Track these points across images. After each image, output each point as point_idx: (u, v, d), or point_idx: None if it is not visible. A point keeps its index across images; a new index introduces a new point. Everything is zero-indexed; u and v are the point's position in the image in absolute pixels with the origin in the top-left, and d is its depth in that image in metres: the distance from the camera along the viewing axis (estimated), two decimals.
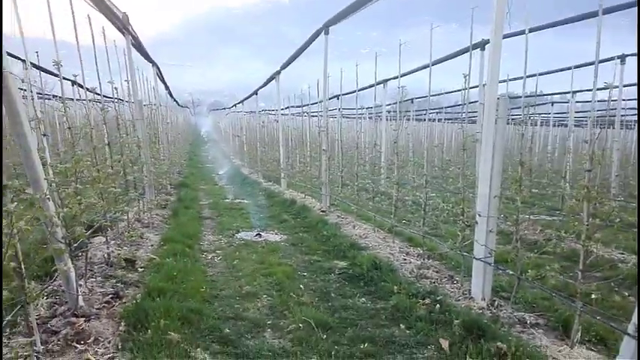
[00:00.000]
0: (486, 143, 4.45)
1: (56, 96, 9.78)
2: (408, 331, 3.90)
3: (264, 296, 4.59)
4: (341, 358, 3.33)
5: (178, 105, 27.40)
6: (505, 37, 4.93)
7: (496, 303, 4.42)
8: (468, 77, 5.01)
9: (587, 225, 3.44)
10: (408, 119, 20.01)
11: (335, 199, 9.44)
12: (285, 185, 12.57)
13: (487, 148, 4.44)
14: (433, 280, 5.21)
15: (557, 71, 11.12)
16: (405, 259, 5.96)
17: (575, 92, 12.88)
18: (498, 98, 4.44)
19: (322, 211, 8.82)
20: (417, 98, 19.36)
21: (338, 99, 16.44)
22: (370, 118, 20.88)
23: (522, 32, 5.30)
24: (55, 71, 5.32)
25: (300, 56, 11.33)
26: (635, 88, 12.65)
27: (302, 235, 7.32)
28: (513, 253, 4.12)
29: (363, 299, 4.67)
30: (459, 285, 4.98)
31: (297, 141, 15.65)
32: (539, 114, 22.63)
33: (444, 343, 3.59)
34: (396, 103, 16.99)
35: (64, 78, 5.93)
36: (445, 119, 23.48)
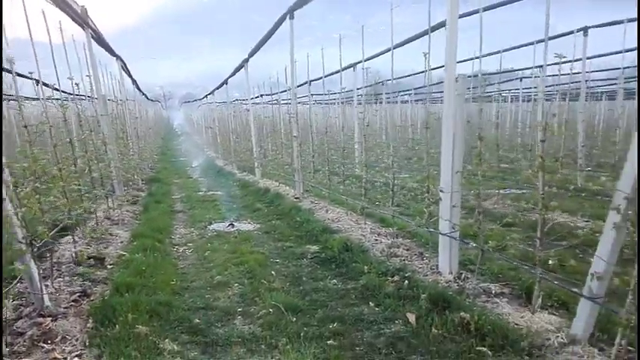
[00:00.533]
0: (447, 120, 4.51)
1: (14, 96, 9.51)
2: (377, 309, 3.97)
3: (236, 285, 4.60)
4: (310, 338, 3.38)
5: (148, 99, 26.93)
6: (461, 16, 5.00)
7: (463, 276, 4.53)
8: (428, 56, 5.05)
9: (543, 194, 3.53)
10: (381, 102, 20.06)
11: (308, 185, 9.46)
12: (260, 175, 12.53)
13: (448, 126, 4.50)
14: (403, 258, 5.28)
15: (519, 47, 11.24)
16: (376, 240, 6.03)
17: (538, 67, 13.09)
18: (457, 77, 4.50)
19: (296, 198, 8.84)
20: (387, 80, 19.39)
21: (310, 84, 16.43)
22: (343, 102, 20.91)
23: (476, 12, 5.34)
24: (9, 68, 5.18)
25: (272, 44, 11.20)
26: (598, 60, 12.93)
27: (275, 223, 7.33)
28: (475, 225, 4.21)
29: (334, 281, 4.72)
30: (428, 261, 5.07)
31: (270, 129, 15.57)
32: (509, 90, 22.98)
33: (411, 317, 3.67)
34: (366, 86, 17.02)
35: (18, 74, 5.78)
36: (417, 100, 23.64)
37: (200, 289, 4.54)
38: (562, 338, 3.24)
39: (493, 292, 4.19)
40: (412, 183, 7.28)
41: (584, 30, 10.55)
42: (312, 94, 18.52)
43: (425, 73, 5.31)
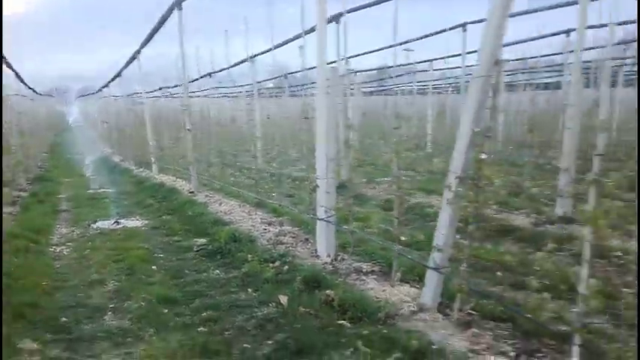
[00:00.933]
0: (320, 112, 4.73)
1: None
2: (254, 294, 4.11)
3: (112, 282, 4.51)
4: (179, 327, 3.43)
5: (37, 93, 24.89)
6: (332, 19, 5.24)
7: (339, 257, 4.79)
8: (303, 50, 5.26)
9: (397, 177, 3.86)
10: (292, 95, 20.21)
11: (204, 179, 9.38)
12: (157, 170, 12.19)
13: (321, 116, 4.72)
14: (288, 245, 5.46)
15: (392, 46, 11.77)
16: (265, 229, 6.16)
17: (426, 61, 13.97)
18: (328, 71, 4.73)
19: (190, 192, 8.74)
20: (290, 74, 19.59)
21: (210, 76, 16.21)
22: (248, 95, 20.80)
23: (341, 14, 5.63)
24: None
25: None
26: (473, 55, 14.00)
27: (166, 218, 7.22)
28: (346, 209, 4.49)
29: (217, 271, 4.79)
30: (311, 246, 5.29)
31: (169, 123, 15.14)
32: (406, 83, 24.16)
33: (283, 299, 3.84)
34: (266, 80, 17.09)
35: None
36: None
37: (73, 288, 4.39)
38: (413, 307, 3.58)
39: (364, 270, 4.49)
40: (305, 173, 7.51)
41: (463, 26, 11.37)
42: (215, 87, 18.26)
43: (303, 68, 5.54)
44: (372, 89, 26.96)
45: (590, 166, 2.57)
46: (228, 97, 21.06)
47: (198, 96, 20.88)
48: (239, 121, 13.16)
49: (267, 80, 18.42)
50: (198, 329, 3.43)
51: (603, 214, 2.35)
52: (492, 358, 2.92)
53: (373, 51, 11.29)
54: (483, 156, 3.00)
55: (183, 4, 8.78)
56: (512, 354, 3.03)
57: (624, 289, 3.04)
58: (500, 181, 3.88)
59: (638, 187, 2.90)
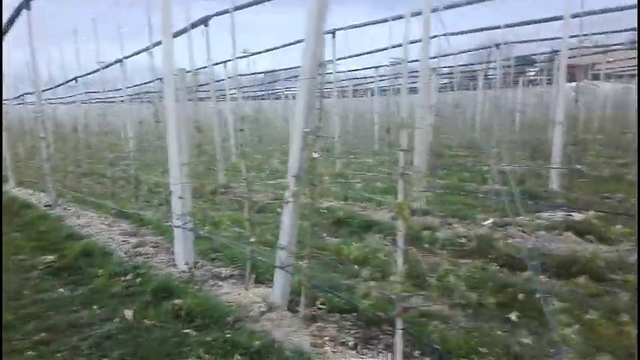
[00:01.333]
0: (170, 115, 4.59)
1: None
2: (99, 311, 3.83)
3: None
4: (5, 353, 3.11)
5: None
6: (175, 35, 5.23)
7: (198, 264, 4.69)
8: (151, 55, 5.10)
9: (246, 179, 3.87)
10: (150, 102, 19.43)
11: (64, 191, 8.68)
12: (14, 183, 11.03)
13: (171, 122, 4.57)
14: (148, 256, 5.22)
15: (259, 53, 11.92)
16: (124, 241, 5.83)
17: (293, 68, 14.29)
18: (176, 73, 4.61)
19: (47, 206, 8.01)
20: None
21: (76, 81, 15.15)
22: (122, 101, 19.68)
23: (185, 30, 5.61)
24: None
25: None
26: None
27: (13, 235, 6.52)
28: (199, 215, 4.41)
29: (62, 290, 4.41)
30: (171, 255, 5.11)
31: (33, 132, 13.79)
32: (288, 88, 24.53)
33: (128, 313, 3.65)
34: (141, 84, 16.34)
35: None
36: (202, 98, 23.63)
37: None
38: (264, 307, 3.60)
39: (223, 275, 4.45)
40: (155, 179, 7.24)
41: (332, 32, 11.80)
42: (85, 93, 17.04)
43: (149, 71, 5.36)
44: (263, 93, 27.03)
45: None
46: (104, 102, 19.81)
47: (68, 102, 19.35)
48: (109, 127, 12.36)
49: (143, 84, 17.61)
50: (27, 353, 3.13)
51: (408, 204, 2.54)
52: (328, 349, 3.03)
53: (229, 59, 11.20)
54: (315, 155, 3.11)
55: (32, 4, 8.09)
56: (351, 343, 3.18)
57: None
58: (329, 178, 4.05)
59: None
